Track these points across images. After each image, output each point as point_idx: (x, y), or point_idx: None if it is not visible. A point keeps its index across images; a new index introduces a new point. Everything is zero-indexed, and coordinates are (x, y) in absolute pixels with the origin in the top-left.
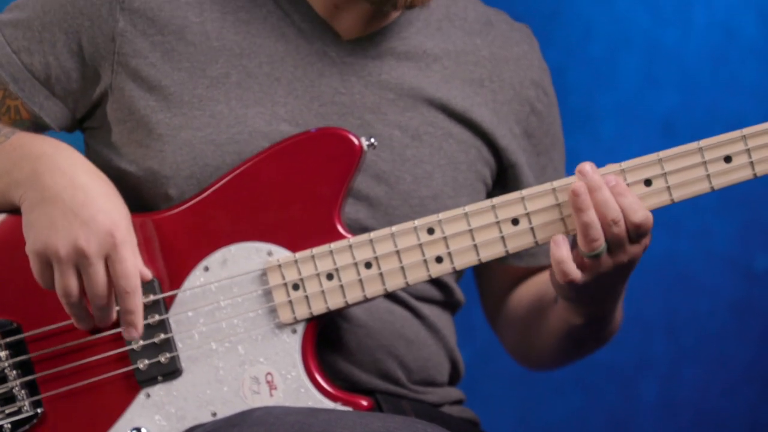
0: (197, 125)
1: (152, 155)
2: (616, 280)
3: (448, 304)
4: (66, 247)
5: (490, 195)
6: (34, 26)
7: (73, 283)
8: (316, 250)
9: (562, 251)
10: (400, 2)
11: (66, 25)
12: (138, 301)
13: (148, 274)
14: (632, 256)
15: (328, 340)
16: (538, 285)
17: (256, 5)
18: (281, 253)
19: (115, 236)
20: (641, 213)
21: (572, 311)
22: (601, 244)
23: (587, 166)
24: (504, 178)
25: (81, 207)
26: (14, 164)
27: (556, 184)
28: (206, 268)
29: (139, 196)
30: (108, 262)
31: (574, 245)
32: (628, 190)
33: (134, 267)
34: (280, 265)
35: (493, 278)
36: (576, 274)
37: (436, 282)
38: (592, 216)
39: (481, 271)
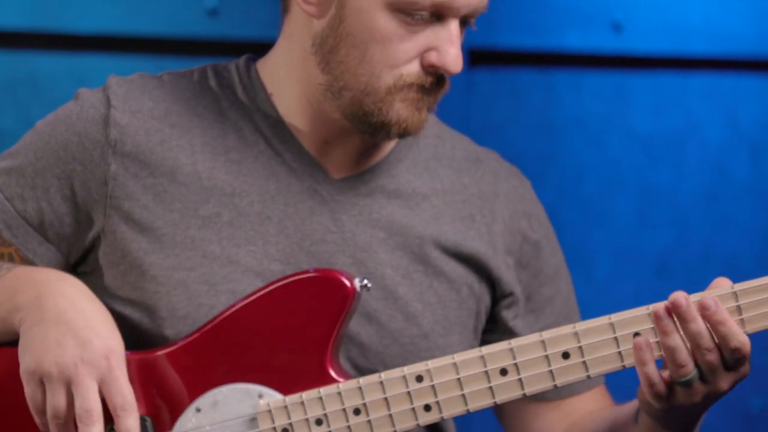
0: (190, 265)
1: (147, 297)
2: (703, 409)
3: None
4: (59, 366)
5: (486, 330)
6: (27, 173)
7: (62, 403)
8: (305, 395)
9: (644, 355)
10: (393, 131)
11: (58, 171)
12: (136, 419)
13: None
14: (729, 384)
15: None
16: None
17: (247, 145)
18: (272, 396)
19: (110, 360)
20: (740, 338)
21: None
22: (691, 370)
23: (681, 299)
24: (501, 309)
25: (80, 329)
26: (17, 290)
27: (545, 335)
28: (198, 410)
29: (136, 337)
30: (101, 385)
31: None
32: (728, 318)
33: (129, 386)
34: (270, 411)
35: (511, 415)
36: (661, 385)
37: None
38: (677, 340)
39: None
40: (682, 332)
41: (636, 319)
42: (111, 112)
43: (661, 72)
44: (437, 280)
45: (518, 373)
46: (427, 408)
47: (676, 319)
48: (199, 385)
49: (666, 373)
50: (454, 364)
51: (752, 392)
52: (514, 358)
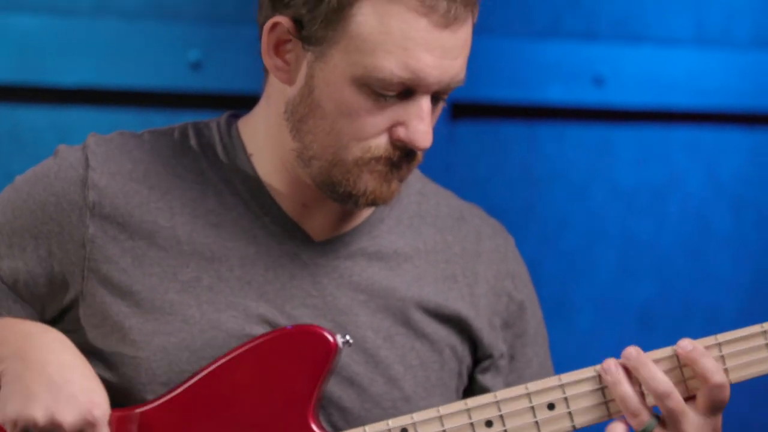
0: (170, 330)
1: (127, 362)
2: None
3: None
4: (43, 418)
5: (466, 390)
6: (3, 231)
7: None
8: None
9: (616, 375)
10: (361, 202)
11: (36, 231)
12: None
13: None
14: (697, 429)
15: None
16: None
17: (227, 208)
18: None
19: (93, 415)
20: (722, 375)
21: None
22: (645, 419)
23: (632, 351)
24: (479, 372)
25: (64, 383)
26: (1, 342)
27: (531, 387)
28: None
29: (118, 399)
30: None
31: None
32: (707, 353)
33: None
34: None
35: None
36: (643, 412)
37: None
38: (625, 389)
39: None
40: (635, 382)
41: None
42: (89, 173)
43: (643, 125)
44: (419, 341)
45: (503, 425)
46: None
47: (625, 370)
48: None
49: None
50: (440, 417)
51: None
52: (500, 410)
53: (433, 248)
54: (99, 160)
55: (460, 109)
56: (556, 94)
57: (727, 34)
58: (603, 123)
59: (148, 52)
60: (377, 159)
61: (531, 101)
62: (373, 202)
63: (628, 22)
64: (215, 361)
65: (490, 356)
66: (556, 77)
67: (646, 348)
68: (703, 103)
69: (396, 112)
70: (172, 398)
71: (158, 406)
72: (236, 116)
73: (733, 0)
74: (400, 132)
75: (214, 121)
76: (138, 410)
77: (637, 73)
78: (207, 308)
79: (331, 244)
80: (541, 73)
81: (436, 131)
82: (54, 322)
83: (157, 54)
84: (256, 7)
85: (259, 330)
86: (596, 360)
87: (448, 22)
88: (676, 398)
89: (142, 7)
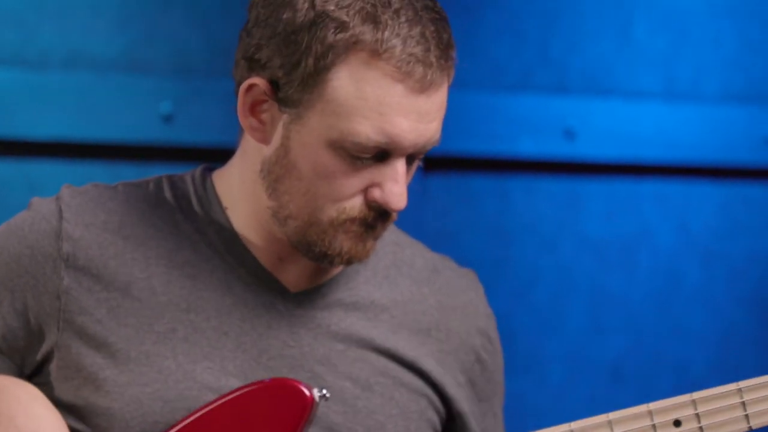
0: (144, 381)
1: (100, 413)
2: None
3: None
4: None
5: None
6: None
7: None
8: None
9: None
10: (336, 261)
11: (11, 284)
12: None
13: None
14: None
15: None
16: None
17: (202, 259)
18: None
19: None
20: None
21: None
22: None
23: None
24: (452, 427)
25: None
26: None
27: None
28: None
29: None
30: None
31: None
32: None
33: None
34: None
35: None
36: None
37: None
38: None
39: None
40: None
41: (592, 426)
42: (63, 225)
43: (613, 178)
44: (398, 391)
45: None
46: None
47: None
48: None
49: None
50: None
51: None
52: None
53: (410, 299)
54: (73, 211)
55: (432, 162)
56: (526, 147)
57: (696, 88)
58: (573, 176)
59: (119, 104)
60: (352, 220)
61: (502, 155)
62: (349, 261)
63: (598, 76)
64: (192, 413)
65: (460, 414)
66: (526, 131)
67: (618, 401)
68: (672, 157)
69: (371, 173)
70: None
71: None
72: (210, 169)
73: (703, 54)
74: (375, 193)
75: (188, 173)
76: None
77: (607, 127)
78: (182, 359)
79: (308, 295)
80: (511, 127)
81: (409, 185)
82: (33, 375)
83: (128, 107)
84: (228, 60)
85: (235, 381)
86: (568, 413)
87: (423, 87)
88: None
89: (113, 59)
